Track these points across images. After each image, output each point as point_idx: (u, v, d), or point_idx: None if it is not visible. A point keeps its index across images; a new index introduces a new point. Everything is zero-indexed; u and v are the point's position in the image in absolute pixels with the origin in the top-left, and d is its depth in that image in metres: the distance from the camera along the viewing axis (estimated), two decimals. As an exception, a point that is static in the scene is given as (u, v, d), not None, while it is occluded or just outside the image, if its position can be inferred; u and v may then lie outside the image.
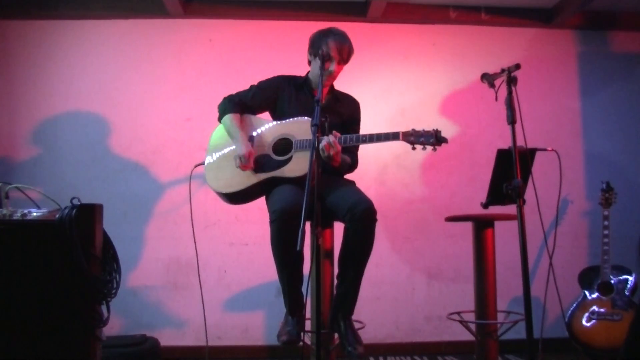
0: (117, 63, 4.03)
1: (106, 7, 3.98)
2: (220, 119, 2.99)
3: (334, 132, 2.63)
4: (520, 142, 2.39)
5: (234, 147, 2.86)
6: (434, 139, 2.56)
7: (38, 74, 3.99)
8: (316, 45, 2.86)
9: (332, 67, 2.84)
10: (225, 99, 3.00)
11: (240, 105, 2.97)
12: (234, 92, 3.03)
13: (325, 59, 2.74)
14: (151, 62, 4.04)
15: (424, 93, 4.14)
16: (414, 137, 2.58)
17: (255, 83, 3.04)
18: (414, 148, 2.60)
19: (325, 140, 2.58)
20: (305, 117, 2.81)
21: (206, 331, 3.37)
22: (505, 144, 2.47)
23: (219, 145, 2.96)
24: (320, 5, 4.02)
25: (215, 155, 2.94)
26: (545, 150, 2.94)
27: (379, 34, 4.09)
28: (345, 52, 2.86)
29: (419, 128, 2.59)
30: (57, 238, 1.94)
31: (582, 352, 3.46)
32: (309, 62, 2.97)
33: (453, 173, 4.05)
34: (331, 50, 2.81)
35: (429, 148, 2.58)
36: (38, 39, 4.01)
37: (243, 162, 2.76)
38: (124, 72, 4.03)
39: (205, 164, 2.95)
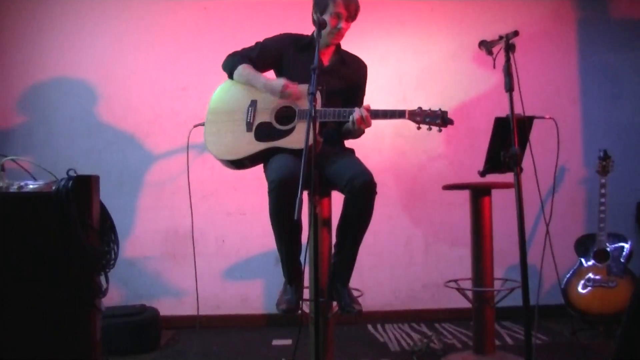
0: (111, 32, 3.97)
1: (98, -25, 3.91)
2: (231, 75, 2.86)
3: (364, 105, 2.61)
4: (518, 110, 2.37)
5: (236, 111, 2.78)
6: (440, 120, 2.56)
7: (31, 43, 3.93)
8: (322, 2, 2.77)
9: (341, 24, 2.78)
10: (230, 55, 2.89)
11: (247, 60, 2.86)
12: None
13: (332, 16, 2.72)
14: (145, 31, 3.98)
15: (421, 60, 4.10)
16: (420, 117, 2.58)
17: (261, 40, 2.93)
18: (419, 127, 2.59)
19: (358, 114, 2.57)
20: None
21: (198, 302, 3.39)
22: (503, 111, 2.45)
23: (219, 108, 2.84)
24: (316, -29, 3.94)
25: (216, 120, 2.82)
26: (543, 118, 2.92)
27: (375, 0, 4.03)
28: (352, 7, 2.78)
29: (425, 107, 2.59)
30: (54, 210, 1.93)
31: (577, 319, 3.51)
32: (314, 22, 2.76)
33: (450, 141, 4.04)
34: (338, 7, 2.74)
35: (434, 128, 2.58)
36: (31, 8, 3.94)
37: (291, 93, 2.70)
38: (117, 41, 3.97)
39: (205, 128, 2.83)
